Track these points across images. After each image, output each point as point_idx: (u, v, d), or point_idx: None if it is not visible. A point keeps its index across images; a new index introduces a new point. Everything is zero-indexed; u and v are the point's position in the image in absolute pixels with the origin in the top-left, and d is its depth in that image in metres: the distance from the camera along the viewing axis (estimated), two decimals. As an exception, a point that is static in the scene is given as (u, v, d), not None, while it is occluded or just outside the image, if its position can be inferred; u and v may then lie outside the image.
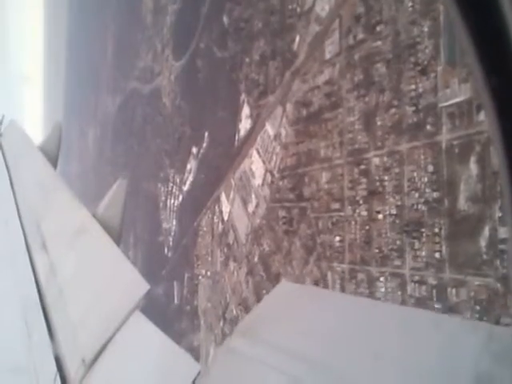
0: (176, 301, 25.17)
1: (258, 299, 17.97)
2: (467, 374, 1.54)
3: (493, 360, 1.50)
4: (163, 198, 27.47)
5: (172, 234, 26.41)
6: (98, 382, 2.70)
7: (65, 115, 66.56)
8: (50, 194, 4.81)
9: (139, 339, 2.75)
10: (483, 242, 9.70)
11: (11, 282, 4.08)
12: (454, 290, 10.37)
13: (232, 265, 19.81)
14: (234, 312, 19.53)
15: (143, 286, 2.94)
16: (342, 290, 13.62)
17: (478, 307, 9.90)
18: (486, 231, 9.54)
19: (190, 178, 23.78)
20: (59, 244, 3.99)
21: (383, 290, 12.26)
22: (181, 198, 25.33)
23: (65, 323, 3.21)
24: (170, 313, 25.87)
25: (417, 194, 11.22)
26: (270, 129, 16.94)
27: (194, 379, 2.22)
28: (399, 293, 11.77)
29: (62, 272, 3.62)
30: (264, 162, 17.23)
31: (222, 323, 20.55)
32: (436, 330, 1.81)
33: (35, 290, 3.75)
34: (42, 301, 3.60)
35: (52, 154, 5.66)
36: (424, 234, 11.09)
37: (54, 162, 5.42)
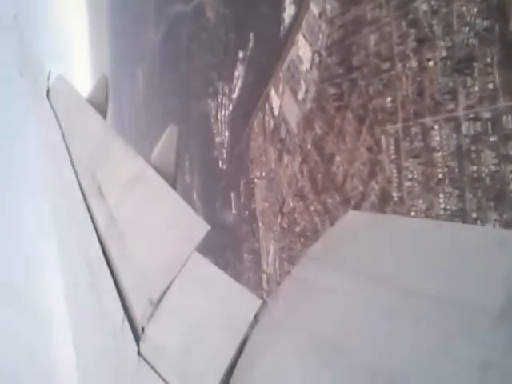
0: (234, 210, 25.84)
1: (313, 185, 18.29)
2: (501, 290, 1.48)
3: None
4: (214, 113, 27.84)
5: (225, 145, 26.88)
6: (164, 320, 2.69)
7: (111, 63, 67.52)
8: (103, 145, 4.63)
9: (201, 278, 2.67)
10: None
11: (71, 232, 4.20)
12: (509, 117, 10.25)
13: (286, 158, 20.08)
14: (291, 204, 19.94)
15: (203, 228, 2.83)
16: (397, 150, 13.68)
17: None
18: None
19: (239, 84, 23.93)
20: (116, 192, 3.93)
21: (438, 138, 12.24)
22: (231, 107, 25.61)
23: (128, 268, 3.20)
24: (229, 223, 26.68)
25: (467, 29, 10.97)
26: (314, 8, 16.73)
27: (257, 313, 2.17)
28: (454, 136, 11.73)
29: (122, 218, 3.61)
30: (311, 45, 17.12)
31: (279, 219, 21.07)
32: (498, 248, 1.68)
33: (96, 238, 3.67)
34: (103, 248, 3.53)
35: (101, 106, 5.54)
36: (476, 69, 10.90)
37: (103, 113, 5.37)
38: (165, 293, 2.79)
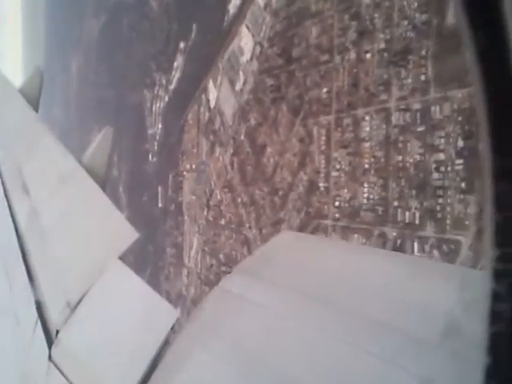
0: (160, 204, 25.26)
1: (243, 177, 18.21)
2: (440, 321, 1.61)
3: (464, 309, 1.56)
4: (149, 105, 27.29)
5: (157, 138, 26.35)
6: (80, 326, 2.66)
7: (46, 57, 65.00)
8: (33, 139, 4.61)
9: (119, 285, 2.72)
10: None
11: None
12: (437, 108, 10.66)
13: (218, 150, 19.93)
14: (219, 197, 19.75)
15: (131, 235, 2.91)
16: (328, 141, 13.88)
17: (460, 118, 10.20)
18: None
19: (178, 75, 23.64)
20: (43, 189, 3.89)
21: (368, 129, 12.54)
22: (167, 98, 25.20)
23: (47, 268, 3.14)
24: (154, 217, 26.03)
25: (406, 22, 11.40)
26: None
27: (173, 325, 2.24)
28: (383, 126, 12.05)
29: (46, 217, 3.55)
30: (253, 36, 17.21)
31: (205, 212, 20.79)
32: (415, 276, 1.95)
33: (14, 236, 3.65)
34: (22, 247, 3.52)
35: (33, 97, 5.36)
36: (410, 61, 11.31)
37: (35, 106, 5.18)
38: (83, 297, 2.76)
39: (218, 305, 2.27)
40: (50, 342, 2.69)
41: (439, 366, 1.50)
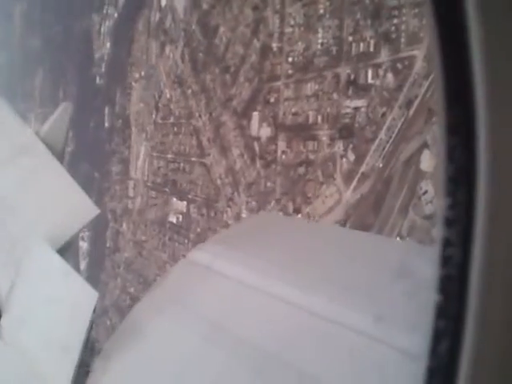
0: (107, 124, 24.26)
1: (194, 67, 17.59)
2: (392, 265, 1.80)
3: (415, 255, 1.74)
4: (97, 27, 26.19)
5: (105, 58, 25.31)
6: (15, 305, 2.68)
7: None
8: None
9: (42, 267, 2.73)
10: None
11: None
12: None
13: (168, 49, 19.23)
14: (168, 95, 19.07)
15: (91, 210, 2.95)
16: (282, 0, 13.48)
17: None
18: None
19: (127, -14, 22.75)
20: None
21: None
22: (116, 14, 24.22)
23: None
24: (101, 140, 25.01)
25: None
26: None
27: (95, 306, 2.30)
28: None
29: (0, 184, 3.48)
30: None
31: (154, 115, 20.05)
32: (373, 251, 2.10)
33: None
34: None
35: None
36: None
37: None
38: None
39: (183, 275, 2.35)
40: None
41: (391, 305, 1.64)
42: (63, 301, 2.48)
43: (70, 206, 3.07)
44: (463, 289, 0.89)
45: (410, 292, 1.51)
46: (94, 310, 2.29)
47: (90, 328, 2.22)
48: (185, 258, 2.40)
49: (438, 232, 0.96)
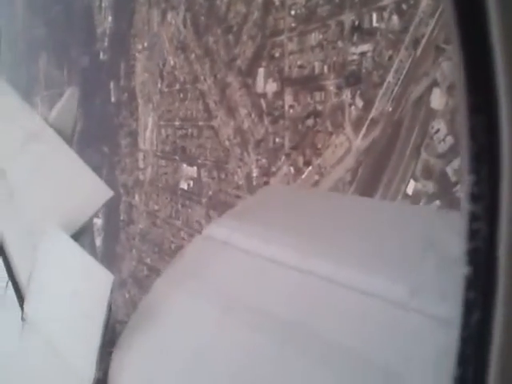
0: (113, 99, 24.22)
1: (196, 30, 17.41)
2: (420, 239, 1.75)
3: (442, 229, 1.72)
4: (98, 2, 26.01)
5: (107, 33, 25.16)
6: (35, 293, 2.68)
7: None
8: None
9: (58, 253, 2.75)
10: None
11: None
12: None
13: (169, 15, 19.11)
14: (172, 62, 18.98)
15: (105, 193, 3.06)
16: None
17: None
18: None
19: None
20: (8, 148, 3.78)
21: None
22: (116, -13, 23.98)
23: (14, 227, 3.09)
24: (109, 115, 25.01)
25: None
26: None
27: (112, 288, 2.33)
28: None
29: (13, 176, 3.48)
30: None
31: (159, 84, 19.98)
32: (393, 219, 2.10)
33: None
34: None
35: None
36: None
37: None
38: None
39: (200, 251, 2.35)
40: (21, 301, 2.73)
41: (424, 277, 1.64)
42: (81, 285, 2.51)
43: (83, 190, 3.12)
44: (491, 261, 0.92)
45: (440, 264, 1.55)
46: (111, 292, 2.32)
47: (109, 309, 2.27)
48: (201, 234, 2.43)
49: (464, 207, 0.98)
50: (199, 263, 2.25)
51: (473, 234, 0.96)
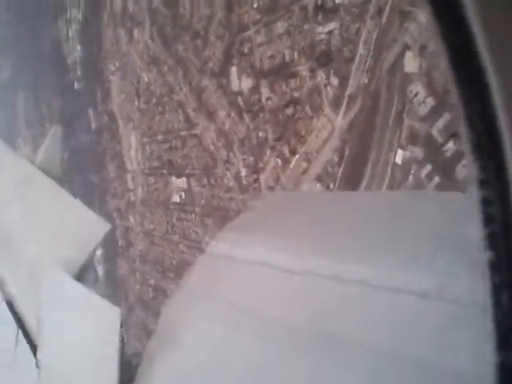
0: (93, 125, 24.14)
1: (164, 43, 17.30)
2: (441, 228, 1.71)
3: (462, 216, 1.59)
4: (64, 32, 25.94)
5: (78, 61, 25.06)
6: (46, 338, 2.75)
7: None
8: None
9: (63, 296, 2.85)
10: None
11: None
12: None
13: (136, 32, 19.04)
14: (146, 78, 18.85)
15: (102, 227, 3.08)
16: None
17: None
18: None
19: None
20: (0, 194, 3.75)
21: None
22: (80, 15, 23.94)
23: (16, 273, 3.21)
24: (92, 142, 24.89)
25: None
26: None
27: (121, 323, 2.39)
28: None
29: (7, 218, 3.53)
30: None
31: (137, 102, 19.84)
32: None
33: None
34: None
35: None
36: None
37: None
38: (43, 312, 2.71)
39: (205, 270, 2.39)
40: (34, 348, 2.84)
41: (444, 266, 1.63)
42: (90, 325, 2.58)
43: (80, 228, 3.09)
44: (510, 243, 0.95)
45: (457, 251, 1.57)
46: (121, 326, 2.38)
47: (122, 343, 2.34)
48: (203, 252, 2.57)
49: (476, 193, 1.00)
50: (206, 283, 2.29)
51: (487, 219, 0.99)
